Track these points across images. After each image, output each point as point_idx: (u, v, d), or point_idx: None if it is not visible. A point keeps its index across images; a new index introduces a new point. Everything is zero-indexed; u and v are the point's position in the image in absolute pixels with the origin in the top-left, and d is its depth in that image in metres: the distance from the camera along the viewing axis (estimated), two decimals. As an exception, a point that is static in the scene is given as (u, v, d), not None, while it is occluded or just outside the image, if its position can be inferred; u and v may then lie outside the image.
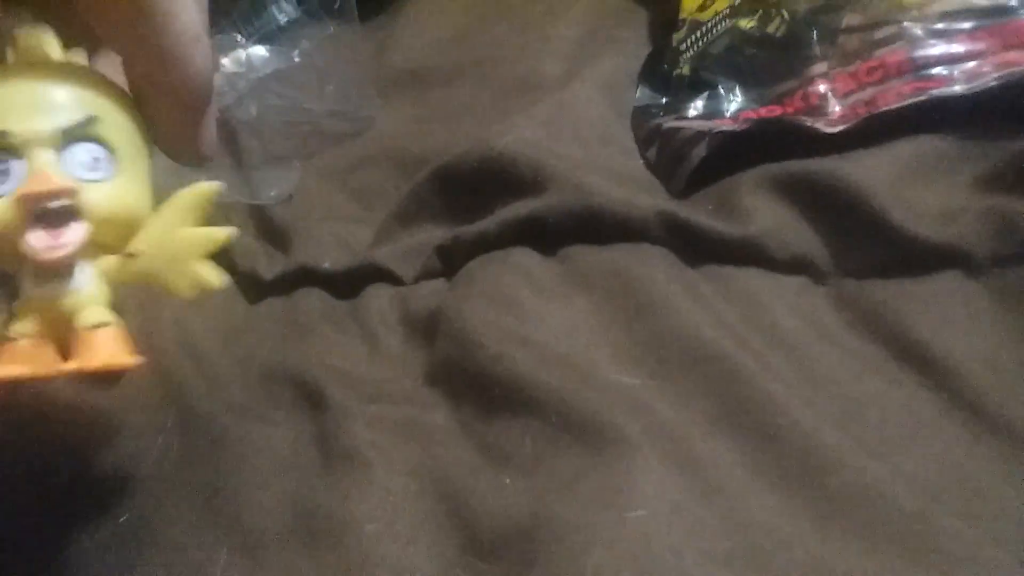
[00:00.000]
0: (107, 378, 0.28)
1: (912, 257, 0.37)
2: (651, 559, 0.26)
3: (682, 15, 0.53)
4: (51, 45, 0.26)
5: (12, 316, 0.25)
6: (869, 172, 0.39)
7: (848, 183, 0.39)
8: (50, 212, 0.24)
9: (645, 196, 0.42)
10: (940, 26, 0.42)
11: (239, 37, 0.53)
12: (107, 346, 0.25)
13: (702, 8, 0.52)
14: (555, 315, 0.38)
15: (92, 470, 0.38)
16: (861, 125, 0.42)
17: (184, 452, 0.38)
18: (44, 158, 0.24)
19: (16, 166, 0.24)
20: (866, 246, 0.38)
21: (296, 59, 0.54)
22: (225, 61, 0.53)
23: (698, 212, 0.41)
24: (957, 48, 0.42)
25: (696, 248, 0.41)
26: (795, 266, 0.40)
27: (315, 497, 0.34)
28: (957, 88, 0.40)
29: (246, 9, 0.59)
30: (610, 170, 0.45)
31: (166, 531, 0.35)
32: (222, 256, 0.46)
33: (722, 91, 0.48)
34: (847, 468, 0.30)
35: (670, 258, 0.41)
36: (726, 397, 0.33)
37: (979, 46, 0.41)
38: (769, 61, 0.46)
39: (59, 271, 0.25)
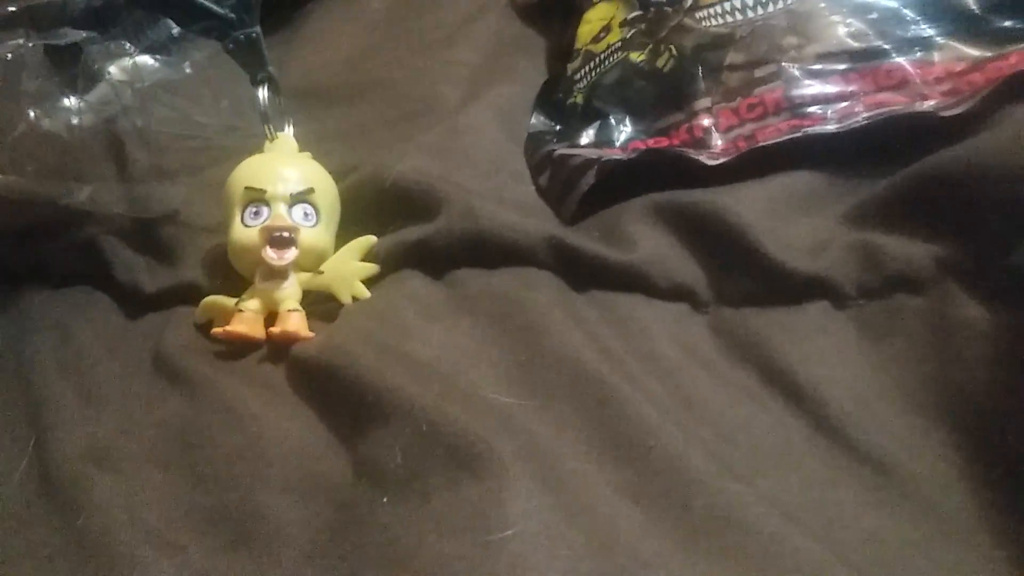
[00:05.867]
0: (289, 341, 0.40)
1: (784, 288, 0.38)
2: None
3: (577, 45, 0.54)
4: (293, 145, 0.46)
5: (242, 299, 0.42)
6: (746, 204, 0.41)
7: (726, 214, 0.40)
8: (278, 239, 0.41)
9: (533, 221, 0.43)
10: (816, 67, 0.44)
11: (127, 45, 0.52)
12: (296, 322, 0.40)
13: (596, 40, 0.53)
14: (438, 336, 0.39)
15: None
16: (741, 159, 0.43)
17: (47, 474, 0.36)
18: (281, 208, 0.42)
19: (265, 211, 0.42)
20: (742, 276, 0.40)
21: (187, 71, 0.53)
22: (112, 69, 0.51)
23: (585, 238, 0.42)
24: (831, 88, 0.44)
25: (582, 274, 0.41)
26: (676, 294, 0.41)
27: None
28: (830, 127, 0.42)
29: (140, 17, 0.58)
30: (500, 196, 0.45)
31: (28, 555, 0.33)
32: (98, 269, 0.45)
33: (613, 121, 0.49)
34: (713, 490, 0.30)
35: (556, 283, 0.41)
36: (601, 419, 0.33)
37: (852, 87, 0.43)
38: (657, 94, 0.48)
39: (277, 274, 0.42)
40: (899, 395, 0.35)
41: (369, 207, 0.46)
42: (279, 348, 0.41)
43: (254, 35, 0.45)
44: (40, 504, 0.35)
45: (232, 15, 0.45)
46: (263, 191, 0.42)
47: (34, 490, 0.36)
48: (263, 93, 0.47)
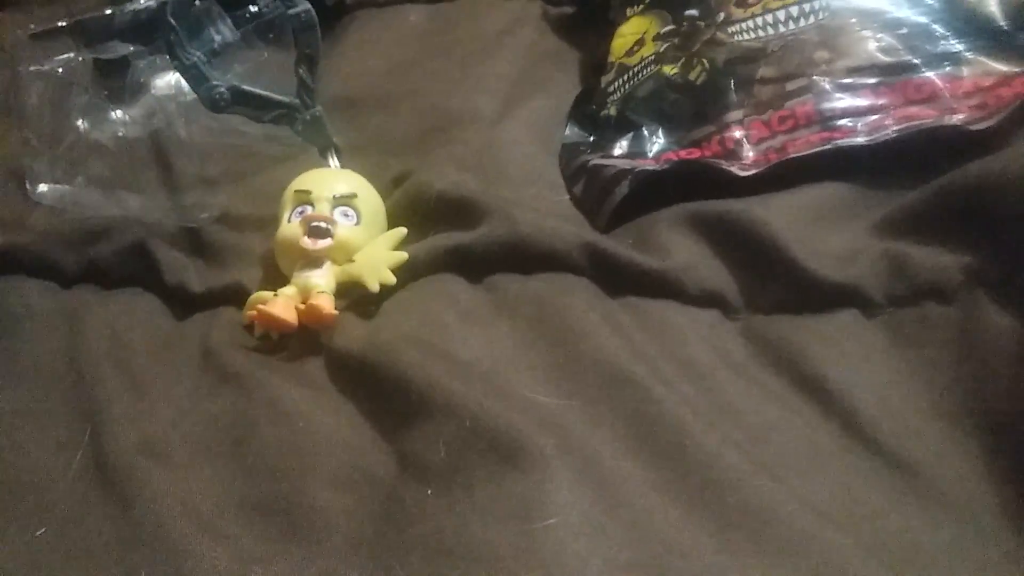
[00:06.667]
0: (318, 320, 0.43)
1: (814, 295, 0.39)
2: (559, 566, 0.27)
3: (611, 58, 0.56)
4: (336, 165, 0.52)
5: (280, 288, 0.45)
6: (777, 214, 0.42)
7: (757, 224, 0.41)
8: (316, 228, 0.45)
9: (570, 228, 0.44)
10: (847, 80, 0.45)
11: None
12: (322, 300, 0.43)
13: (630, 53, 0.54)
14: (478, 337, 0.40)
15: (9, 481, 0.37)
16: (772, 170, 0.44)
17: (102, 466, 0.38)
18: (322, 205, 0.46)
19: (309, 209, 0.46)
20: (773, 284, 0.40)
21: (229, 82, 0.54)
22: (157, 83, 0.53)
23: (619, 246, 0.43)
24: (861, 102, 0.45)
25: (616, 280, 0.43)
26: (708, 300, 0.42)
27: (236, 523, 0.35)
28: (860, 139, 0.43)
29: (183, 31, 0.59)
30: (537, 205, 0.47)
31: (85, 545, 0.35)
32: (148, 271, 0.47)
33: (646, 132, 0.50)
34: (745, 487, 0.31)
35: (591, 288, 0.42)
36: (637, 419, 0.34)
37: (882, 100, 0.44)
38: (690, 106, 0.49)
39: (312, 263, 0.45)
40: (927, 401, 0.36)
41: (414, 219, 0.48)
42: (310, 331, 0.43)
43: (317, 114, 0.52)
44: (95, 496, 0.36)
45: (296, 100, 0.51)
46: (309, 192, 0.47)
47: (89, 482, 0.37)
48: (333, 161, 0.52)
